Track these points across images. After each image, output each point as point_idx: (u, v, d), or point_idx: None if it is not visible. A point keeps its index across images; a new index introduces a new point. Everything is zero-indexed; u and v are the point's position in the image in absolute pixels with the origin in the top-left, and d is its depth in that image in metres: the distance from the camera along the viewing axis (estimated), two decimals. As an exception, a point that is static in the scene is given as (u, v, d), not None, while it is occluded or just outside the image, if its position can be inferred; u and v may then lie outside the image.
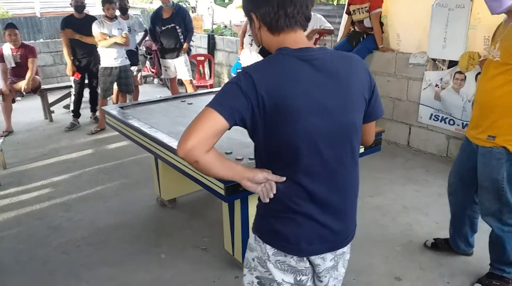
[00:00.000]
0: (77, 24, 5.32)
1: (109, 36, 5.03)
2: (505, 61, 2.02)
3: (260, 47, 1.31)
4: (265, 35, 1.25)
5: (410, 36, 4.63)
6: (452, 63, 3.99)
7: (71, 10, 5.42)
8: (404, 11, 4.67)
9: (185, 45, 5.53)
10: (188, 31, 5.56)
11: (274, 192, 1.25)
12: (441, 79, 4.08)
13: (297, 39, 1.22)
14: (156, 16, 5.52)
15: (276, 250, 1.30)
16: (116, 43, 5.07)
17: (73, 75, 5.49)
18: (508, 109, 2.05)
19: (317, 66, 1.18)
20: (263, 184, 1.25)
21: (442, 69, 4.10)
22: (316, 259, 1.31)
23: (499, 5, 1.97)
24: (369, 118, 1.33)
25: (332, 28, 4.79)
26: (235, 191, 2.00)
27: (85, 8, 5.41)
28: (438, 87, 4.12)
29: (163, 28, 5.44)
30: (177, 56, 5.59)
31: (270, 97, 1.13)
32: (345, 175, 1.28)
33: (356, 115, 1.25)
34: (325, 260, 1.32)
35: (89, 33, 5.16)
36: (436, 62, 4.14)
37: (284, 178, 1.24)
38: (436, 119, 4.23)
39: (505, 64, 2.02)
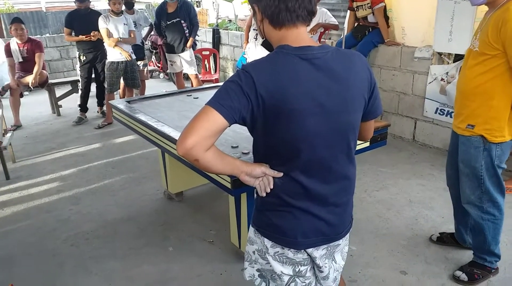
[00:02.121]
0: (81, 19, 5.34)
1: (120, 38, 5.06)
2: (482, 51, 2.05)
3: (264, 39, 1.31)
4: (267, 28, 1.24)
5: (415, 29, 4.61)
6: (458, 57, 3.97)
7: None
8: (409, 4, 4.65)
9: (190, 40, 5.54)
10: (193, 26, 5.57)
11: (271, 187, 1.27)
12: (447, 73, 4.06)
13: (299, 35, 1.21)
14: (161, 11, 5.53)
15: (273, 242, 1.32)
16: (123, 42, 5.13)
17: (87, 38, 5.34)
18: (486, 97, 2.09)
19: (317, 65, 1.17)
20: (261, 178, 1.27)
21: (448, 63, 4.08)
22: (313, 251, 1.33)
23: None
24: (367, 116, 1.34)
25: (337, 23, 4.77)
26: (241, 185, 2.00)
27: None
28: (444, 81, 4.11)
29: (168, 22, 5.45)
30: (183, 50, 5.60)
31: (270, 97, 1.13)
32: (341, 171, 1.30)
33: (355, 116, 1.26)
34: (317, 250, 1.34)
35: (93, 28, 5.20)
36: (442, 55, 4.13)
37: (282, 174, 1.26)
38: (441, 113, 4.22)
39: (482, 54, 2.05)
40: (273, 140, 1.21)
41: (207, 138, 1.13)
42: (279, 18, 1.19)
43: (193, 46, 5.79)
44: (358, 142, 1.45)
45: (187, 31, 5.50)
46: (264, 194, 1.29)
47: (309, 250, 1.33)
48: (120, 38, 5.10)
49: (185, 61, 5.70)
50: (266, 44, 1.31)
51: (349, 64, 1.22)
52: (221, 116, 1.12)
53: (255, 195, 1.36)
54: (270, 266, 1.35)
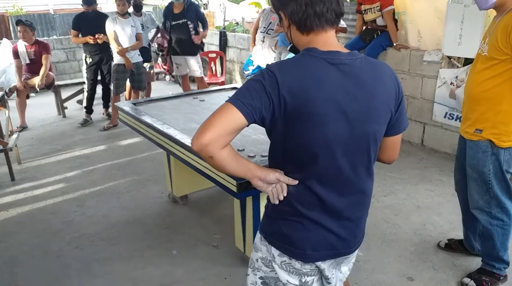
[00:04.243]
0: (89, 21, 5.36)
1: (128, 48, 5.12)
2: (491, 56, 2.03)
3: (291, 45, 1.28)
4: (294, 34, 1.22)
5: (432, 33, 4.56)
6: (467, 61, 3.93)
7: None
8: (425, 7, 4.59)
9: (205, 32, 5.55)
10: (204, 23, 5.57)
11: (285, 194, 1.23)
12: (456, 77, 4.02)
13: (328, 40, 1.18)
14: (168, 11, 5.53)
15: (281, 252, 1.29)
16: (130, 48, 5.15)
17: (94, 40, 5.32)
18: (494, 102, 2.07)
19: (344, 71, 1.14)
20: (274, 185, 1.23)
21: (458, 67, 4.04)
22: (321, 263, 1.30)
23: (485, 1, 2.01)
24: (391, 131, 1.29)
25: (345, 26, 4.75)
26: (247, 188, 2.00)
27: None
28: (453, 85, 4.06)
29: (174, 23, 5.44)
30: (188, 53, 5.57)
31: (292, 99, 1.09)
32: (358, 184, 1.26)
33: (378, 126, 1.22)
34: (324, 262, 1.31)
35: (100, 30, 5.22)
36: (451, 59, 4.08)
37: (297, 182, 1.21)
38: (451, 117, 4.17)
39: (491, 59, 2.03)
40: (291, 143, 1.17)
41: (224, 136, 1.10)
42: (307, 23, 1.16)
43: (201, 47, 5.76)
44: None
45: (193, 32, 5.47)
46: (277, 202, 1.25)
47: (317, 262, 1.29)
48: (129, 48, 5.12)
49: (190, 64, 5.68)
50: (293, 50, 1.28)
51: (377, 74, 1.19)
52: (241, 114, 1.09)
53: (266, 201, 1.32)
54: (275, 273, 1.32)
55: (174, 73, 6.52)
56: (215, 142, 1.09)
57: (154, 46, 7.52)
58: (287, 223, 1.26)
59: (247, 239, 2.55)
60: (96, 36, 5.27)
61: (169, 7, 5.52)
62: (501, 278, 2.37)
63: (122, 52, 5.07)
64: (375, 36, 4.67)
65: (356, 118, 1.15)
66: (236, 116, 1.09)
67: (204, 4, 11.96)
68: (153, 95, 5.94)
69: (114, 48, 5.16)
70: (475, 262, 2.54)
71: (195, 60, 5.65)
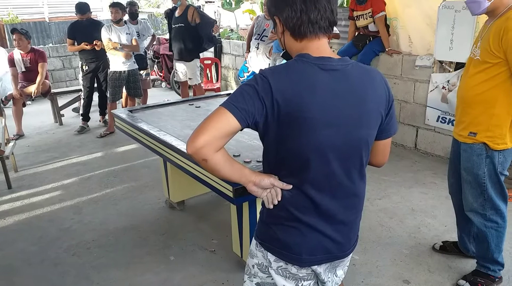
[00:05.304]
0: (83, 30, 5.39)
1: (120, 45, 5.10)
2: (484, 60, 2.06)
3: (284, 51, 1.31)
4: (288, 40, 1.23)
5: (422, 38, 4.61)
6: (459, 65, 3.98)
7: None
8: (416, 13, 4.65)
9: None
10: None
11: (279, 199, 1.24)
12: (448, 81, 4.07)
13: (320, 47, 1.20)
14: (171, 13, 5.53)
15: (277, 257, 1.30)
16: (125, 48, 5.15)
17: (91, 47, 5.36)
18: (487, 105, 2.09)
19: (336, 77, 1.16)
20: (269, 190, 1.24)
21: (449, 71, 4.09)
22: (317, 267, 1.31)
23: (478, 7, 2.04)
24: (382, 134, 1.31)
25: (338, 32, 4.80)
26: (243, 194, 2.01)
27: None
28: (445, 89, 4.11)
29: (173, 26, 5.44)
30: (186, 59, 5.59)
31: (285, 104, 1.11)
32: (351, 188, 1.27)
33: (369, 131, 1.24)
34: (321, 266, 1.33)
35: (95, 38, 5.26)
36: (443, 64, 4.14)
37: (291, 186, 1.23)
38: (443, 121, 4.21)
39: (484, 63, 2.06)
40: (284, 148, 1.19)
41: (218, 139, 1.12)
42: (301, 30, 1.18)
43: (197, 54, 5.76)
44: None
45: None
46: (271, 206, 1.26)
47: (313, 266, 1.31)
48: (121, 44, 5.12)
49: (189, 70, 5.62)
50: (286, 56, 1.30)
51: (368, 80, 1.21)
52: (234, 118, 1.11)
53: (261, 207, 1.33)
54: (272, 279, 1.33)
55: (175, 79, 6.47)
56: (209, 145, 1.11)
57: (150, 53, 7.55)
58: (282, 228, 1.27)
59: (244, 244, 2.56)
60: (94, 42, 5.30)
61: (173, 10, 5.51)
62: (496, 280, 2.39)
63: (113, 46, 5.06)
64: (368, 42, 4.71)
65: (348, 123, 1.17)
66: (229, 120, 1.11)
67: (199, 11, 12.01)
68: (149, 102, 5.94)
69: (110, 55, 5.18)
70: (470, 264, 2.56)
71: (191, 67, 5.59)
